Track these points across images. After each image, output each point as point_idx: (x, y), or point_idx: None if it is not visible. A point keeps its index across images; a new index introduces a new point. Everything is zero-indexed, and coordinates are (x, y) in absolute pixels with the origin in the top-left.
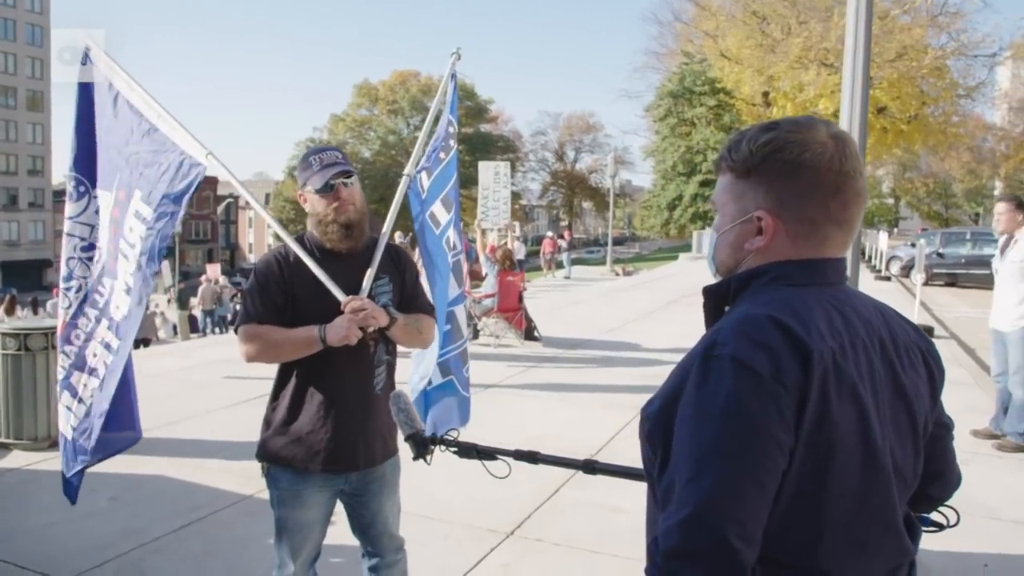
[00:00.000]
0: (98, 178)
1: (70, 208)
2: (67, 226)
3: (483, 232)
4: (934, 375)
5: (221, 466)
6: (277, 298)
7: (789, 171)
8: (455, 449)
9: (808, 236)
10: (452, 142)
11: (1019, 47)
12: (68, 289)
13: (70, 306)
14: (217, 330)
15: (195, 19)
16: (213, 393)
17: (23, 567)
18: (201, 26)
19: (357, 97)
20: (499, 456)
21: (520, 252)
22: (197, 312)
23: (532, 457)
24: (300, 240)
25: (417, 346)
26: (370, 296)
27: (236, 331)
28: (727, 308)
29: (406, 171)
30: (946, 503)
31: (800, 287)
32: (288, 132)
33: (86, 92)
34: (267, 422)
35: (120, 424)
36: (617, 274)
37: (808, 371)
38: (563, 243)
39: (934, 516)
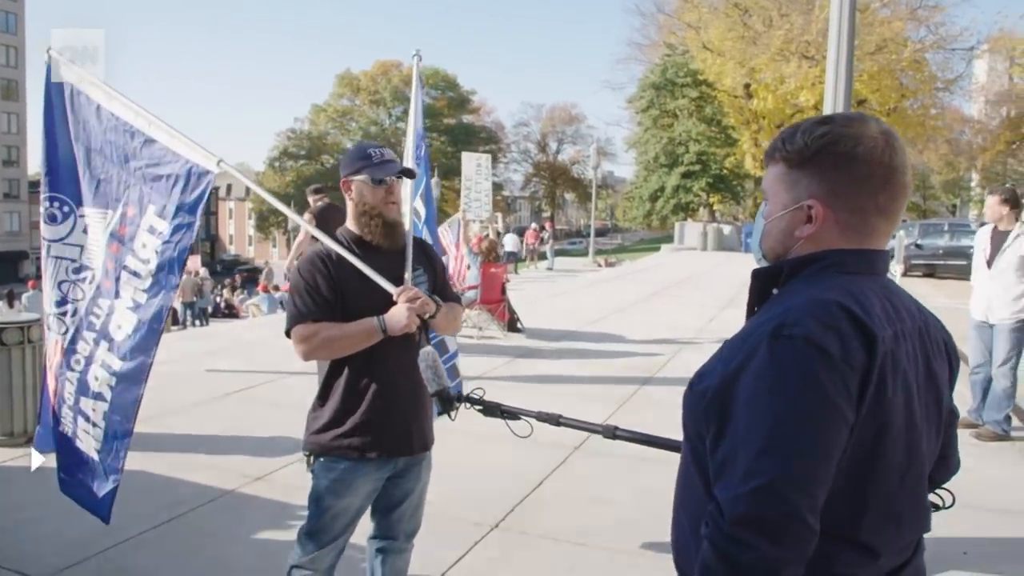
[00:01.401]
0: (85, 197)
1: (54, 230)
2: (53, 249)
3: (467, 224)
4: (952, 365)
5: (204, 461)
6: (328, 295)
7: (843, 163)
8: (480, 407)
9: (857, 227)
10: (423, 141)
11: (996, 40)
12: (63, 314)
13: (67, 331)
14: (198, 322)
15: (172, 12)
16: (194, 387)
17: (0, 566)
18: (179, 19)
19: (339, 87)
20: (523, 416)
21: (513, 244)
22: (177, 304)
23: (555, 419)
24: (335, 239)
25: (451, 332)
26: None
27: (288, 334)
28: (775, 291)
29: (410, 167)
30: (943, 486)
31: (854, 275)
32: (269, 123)
33: (51, 108)
34: (318, 416)
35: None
36: (600, 265)
37: (872, 355)
38: (546, 234)
39: (931, 498)
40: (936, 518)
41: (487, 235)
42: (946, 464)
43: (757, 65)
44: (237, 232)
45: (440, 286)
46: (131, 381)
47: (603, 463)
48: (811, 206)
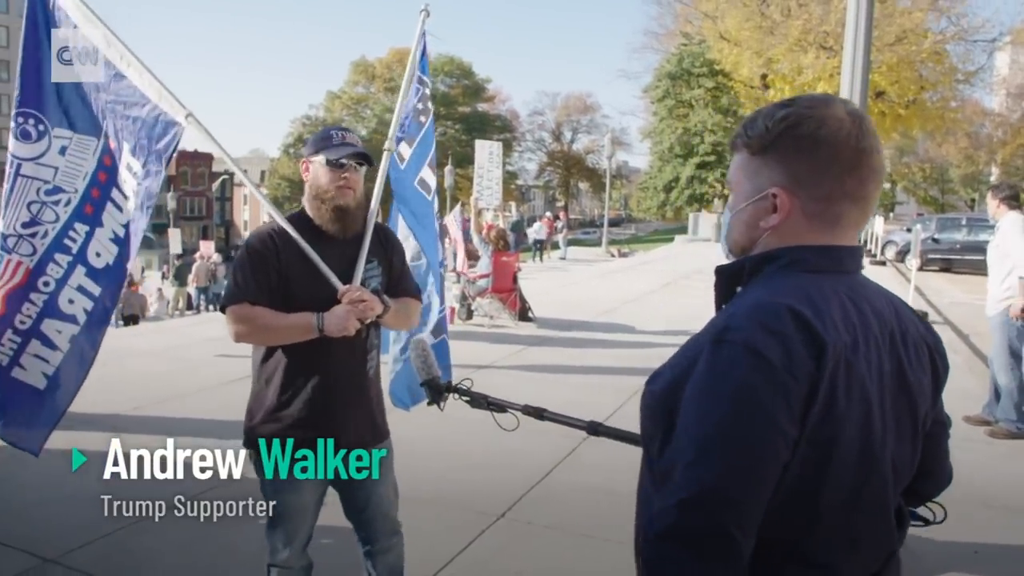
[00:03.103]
0: (62, 118)
1: (27, 148)
2: (24, 168)
3: (479, 212)
4: (938, 371)
5: (213, 445)
6: (271, 277)
7: (806, 147)
8: (467, 398)
9: (824, 215)
10: (429, 104)
11: (1019, 32)
12: (33, 235)
13: (34, 252)
14: (211, 307)
15: None
16: (204, 371)
17: (8, 545)
18: (194, 4)
19: (354, 75)
20: (509, 409)
21: (540, 232)
22: (191, 289)
23: (539, 413)
24: (292, 220)
25: (404, 329)
26: (362, 282)
27: (223, 309)
28: (739, 289)
29: (386, 146)
30: (934, 499)
31: (816, 274)
32: (284, 110)
33: (35, 21)
34: (256, 408)
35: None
36: (613, 255)
37: (821, 364)
38: (559, 224)
39: (921, 511)
40: (946, 517)
41: (497, 223)
42: (933, 477)
43: (774, 55)
44: (252, 218)
45: (396, 279)
46: (106, 308)
47: (612, 453)
48: (775, 195)
